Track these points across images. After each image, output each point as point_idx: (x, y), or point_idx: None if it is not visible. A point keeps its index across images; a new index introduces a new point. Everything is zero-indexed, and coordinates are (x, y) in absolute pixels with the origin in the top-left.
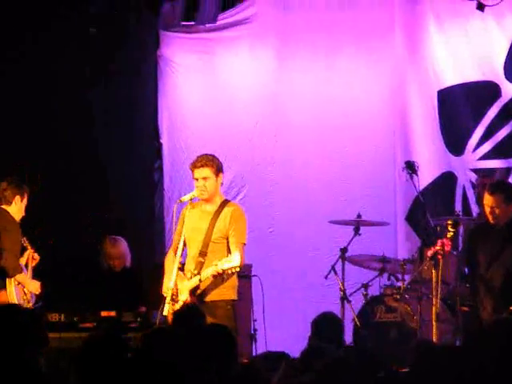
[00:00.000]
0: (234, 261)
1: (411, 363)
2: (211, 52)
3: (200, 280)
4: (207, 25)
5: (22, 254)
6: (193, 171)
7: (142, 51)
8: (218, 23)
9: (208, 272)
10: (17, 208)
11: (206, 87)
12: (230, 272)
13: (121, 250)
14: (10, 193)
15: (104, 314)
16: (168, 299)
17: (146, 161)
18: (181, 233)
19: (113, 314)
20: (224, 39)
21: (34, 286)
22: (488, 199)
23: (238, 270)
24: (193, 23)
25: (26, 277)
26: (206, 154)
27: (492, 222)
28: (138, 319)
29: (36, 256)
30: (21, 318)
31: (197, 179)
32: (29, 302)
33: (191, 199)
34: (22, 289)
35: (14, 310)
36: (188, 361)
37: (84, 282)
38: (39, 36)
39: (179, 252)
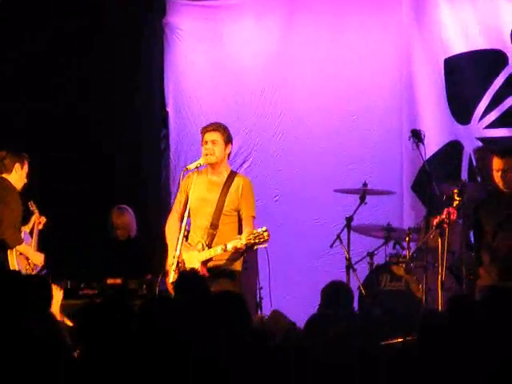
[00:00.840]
0: (261, 235)
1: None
2: (217, 20)
3: (225, 250)
4: None
5: (28, 220)
6: (203, 135)
7: (148, 19)
8: None
9: (234, 244)
10: (18, 176)
11: (211, 55)
12: (254, 248)
13: (126, 219)
14: (10, 161)
15: (110, 281)
16: (173, 267)
17: (152, 129)
18: (184, 201)
19: (119, 281)
20: (230, 7)
21: (38, 259)
22: (498, 163)
23: (265, 245)
24: None
25: (28, 248)
26: (219, 122)
27: (503, 187)
28: (144, 287)
29: (42, 219)
30: (18, 284)
31: (206, 142)
32: (32, 271)
33: (197, 167)
34: (25, 259)
35: (12, 276)
36: (195, 329)
37: (89, 250)
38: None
39: (185, 221)
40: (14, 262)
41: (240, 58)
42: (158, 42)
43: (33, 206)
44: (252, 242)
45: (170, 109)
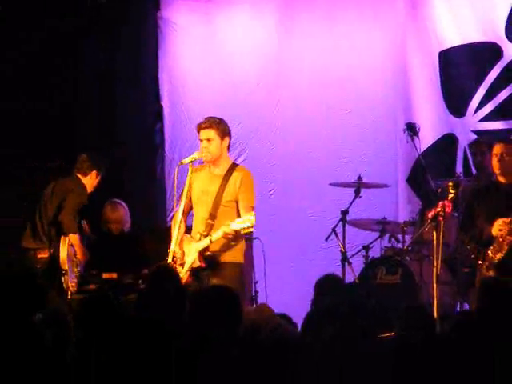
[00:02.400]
0: (246, 222)
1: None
2: (212, 13)
3: (211, 240)
4: None
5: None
6: (198, 132)
7: (142, 12)
8: None
9: (219, 233)
10: (90, 182)
11: (206, 49)
12: (242, 233)
13: (120, 214)
14: (89, 165)
15: (106, 275)
16: (169, 260)
17: (146, 123)
18: (187, 195)
19: (114, 276)
20: (225, 0)
21: (84, 255)
22: (498, 147)
23: (250, 230)
24: None
25: (79, 241)
26: (214, 116)
27: (498, 172)
28: (139, 281)
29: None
30: (15, 280)
31: (201, 140)
32: (77, 266)
33: (192, 161)
34: (73, 252)
35: (10, 271)
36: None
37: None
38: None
39: (180, 214)
40: (65, 251)
41: (235, 51)
42: (153, 36)
43: (85, 225)
44: (239, 227)
45: (164, 103)
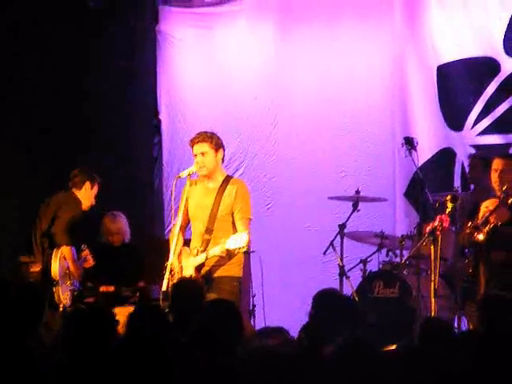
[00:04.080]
0: (240, 241)
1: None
2: (210, 26)
3: (206, 258)
4: None
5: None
6: (192, 147)
7: (140, 25)
8: None
9: (215, 251)
10: (86, 194)
11: (204, 62)
12: (236, 252)
13: (120, 225)
14: (81, 178)
15: (103, 288)
16: (167, 274)
17: (145, 136)
18: (183, 209)
19: (112, 288)
20: (222, 13)
21: (77, 271)
22: (498, 163)
23: (245, 249)
24: None
25: (72, 256)
26: (205, 131)
27: (497, 188)
28: (137, 294)
29: (90, 261)
30: (11, 294)
31: (195, 155)
32: (70, 279)
33: (190, 174)
34: (66, 265)
35: (5, 286)
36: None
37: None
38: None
39: (177, 228)
40: (57, 263)
41: (233, 64)
42: (151, 49)
43: (85, 248)
44: (231, 247)
45: (162, 116)
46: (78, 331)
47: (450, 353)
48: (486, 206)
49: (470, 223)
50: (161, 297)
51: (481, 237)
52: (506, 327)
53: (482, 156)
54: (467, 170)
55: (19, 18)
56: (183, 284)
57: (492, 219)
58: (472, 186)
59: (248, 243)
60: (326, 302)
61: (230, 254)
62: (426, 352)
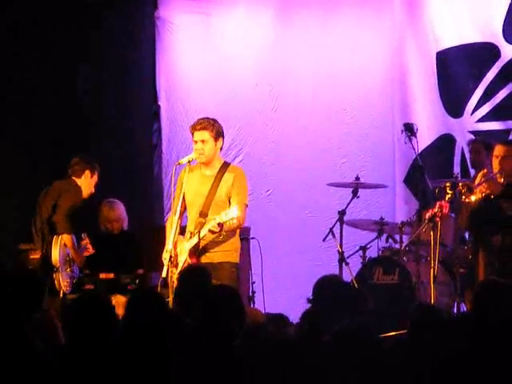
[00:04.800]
0: (232, 213)
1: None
2: (209, 13)
3: (199, 237)
4: None
5: (78, 244)
6: (192, 133)
7: (139, 12)
8: None
9: (205, 229)
10: (86, 182)
11: (203, 48)
12: (229, 224)
13: (118, 212)
14: (81, 166)
15: (102, 275)
16: (166, 262)
17: (144, 123)
18: (179, 196)
19: (111, 275)
20: (222, 1)
21: (79, 258)
22: (499, 149)
23: (235, 222)
24: None
25: (73, 243)
26: (207, 118)
27: (499, 174)
28: (136, 281)
29: (90, 250)
30: (10, 280)
31: (195, 142)
32: (70, 266)
33: (189, 161)
34: (67, 252)
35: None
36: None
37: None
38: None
39: (177, 215)
40: (57, 250)
41: (232, 51)
42: (150, 35)
43: (85, 237)
44: (223, 219)
45: (161, 102)
46: (78, 318)
47: (443, 337)
48: (484, 174)
49: (463, 183)
50: (159, 283)
51: (473, 198)
52: (501, 313)
53: (485, 141)
54: (468, 155)
55: (19, 17)
56: (192, 271)
57: (485, 187)
58: (473, 171)
59: (242, 221)
60: (327, 288)
61: (223, 230)
62: (422, 338)
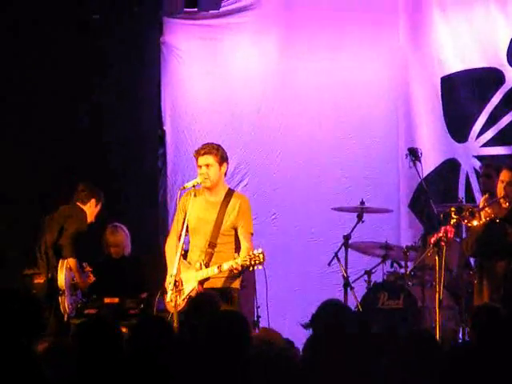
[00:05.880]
0: (255, 259)
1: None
2: (214, 39)
3: (220, 271)
4: (210, 11)
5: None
6: (197, 158)
7: (145, 38)
8: (221, 10)
9: (227, 265)
10: (90, 210)
11: (208, 74)
12: (250, 269)
13: (119, 238)
14: (88, 194)
15: (107, 300)
16: (171, 286)
17: (149, 148)
18: (182, 220)
19: (116, 300)
20: (227, 26)
21: (83, 282)
22: (506, 175)
23: (259, 267)
24: (196, 9)
25: (77, 267)
26: (212, 143)
27: (503, 199)
28: (141, 306)
29: (91, 278)
30: (15, 303)
31: (200, 166)
32: (75, 290)
33: (194, 186)
34: (72, 276)
35: (10, 295)
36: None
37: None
38: (40, 23)
39: (182, 240)
40: (63, 274)
41: (237, 76)
42: (155, 60)
43: (87, 267)
44: (248, 263)
45: (167, 127)
46: (83, 343)
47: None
48: (486, 199)
49: (466, 208)
50: (165, 308)
51: (475, 222)
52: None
53: (496, 165)
54: (475, 180)
55: (19, 17)
56: (203, 298)
57: (489, 212)
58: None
59: (249, 249)
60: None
61: (240, 271)
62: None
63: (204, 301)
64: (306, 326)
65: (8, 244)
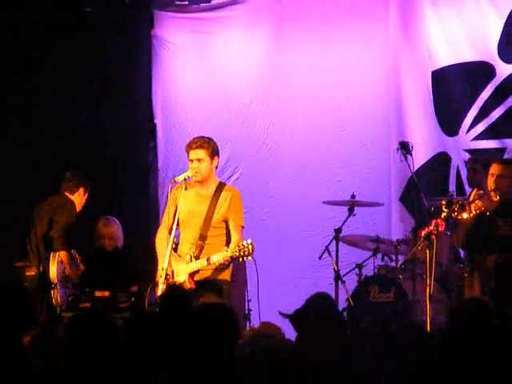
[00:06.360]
0: (244, 249)
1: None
2: (205, 31)
3: (209, 263)
4: (201, 4)
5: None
6: (188, 152)
7: (136, 31)
8: (212, 3)
9: (217, 257)
10: (79, 200)
11: (200, 67)
12: (240, 260)
13: (112, 230)
14: (76, 183)
15: (98, 293)
16: (162, 279)
17: (140, 141)
18: (173, 213)
19: (106, 293)
20: (218, 19)
21: (74, 273)
22: (495, 168)
23: (249, 258)
24: (187, 3)
25: (69, 259)
26: (203, 136)
27: (493, 192)
28: (132, 299)
29: (81, 267)
30: (8, 297)
31: (191, 160)
32: (67, 282)
33: (185, 179)
34: (63, 268)
35: (2, 288)
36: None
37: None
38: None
39: (173, 233)
40: (55, 267)
41: (228, 69)
42: (146, 54)
43: (76, 254)
44: (237, 254)
45: (157, 121)
46: (76, 337)
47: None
48: (477, 192)
49: (457, 201)
50: (157, 302)
51: (465, 215)
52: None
53: (483, 160)
54: (465, 173)
55: (19, 18)
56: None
57: (479, 205)
58: (469, 190)
59: (239, 241)
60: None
61: (229, 262)
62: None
63: (175, 296)
64: (284, 315)
65: (8, 244)
